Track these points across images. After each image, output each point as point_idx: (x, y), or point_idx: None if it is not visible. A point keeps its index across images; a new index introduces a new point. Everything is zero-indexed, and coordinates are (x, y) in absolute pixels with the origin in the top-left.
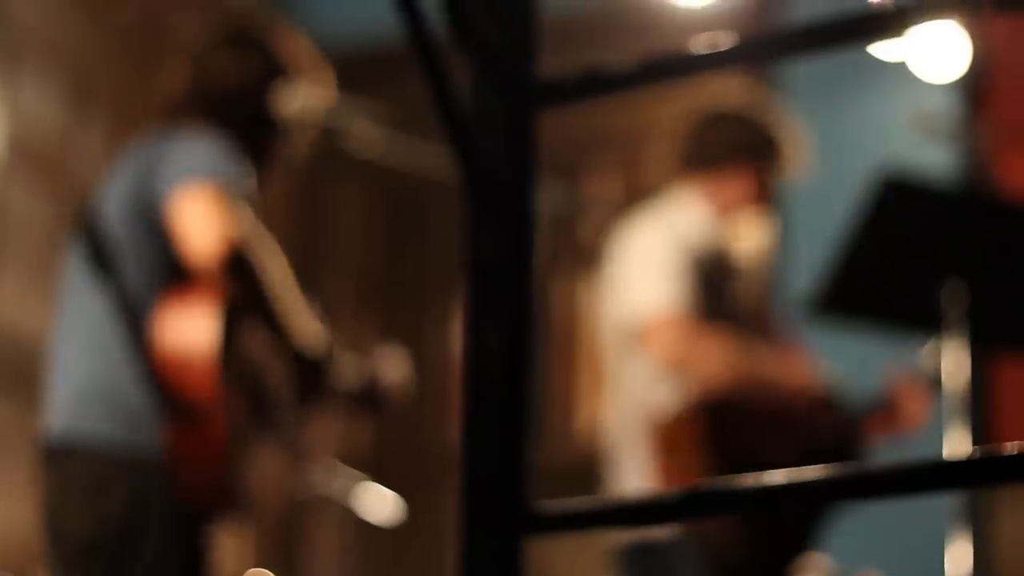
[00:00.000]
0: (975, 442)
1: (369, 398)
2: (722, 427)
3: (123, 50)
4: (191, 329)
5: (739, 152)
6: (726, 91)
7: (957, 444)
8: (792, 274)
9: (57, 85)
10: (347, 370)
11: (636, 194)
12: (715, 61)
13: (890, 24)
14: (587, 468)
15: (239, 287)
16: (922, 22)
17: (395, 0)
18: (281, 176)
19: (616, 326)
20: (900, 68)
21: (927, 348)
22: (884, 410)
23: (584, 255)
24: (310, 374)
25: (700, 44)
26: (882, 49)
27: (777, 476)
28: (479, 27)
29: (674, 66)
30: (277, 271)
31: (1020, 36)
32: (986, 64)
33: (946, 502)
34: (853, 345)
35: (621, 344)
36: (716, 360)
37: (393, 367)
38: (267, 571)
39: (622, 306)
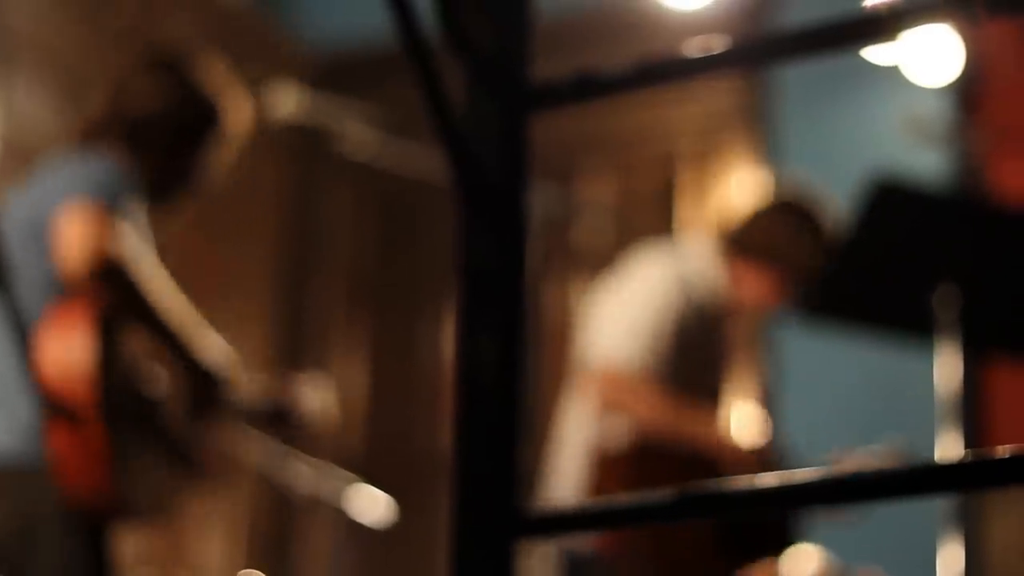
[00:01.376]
0: (967, 445)
1: (279, 419)
2: (649, 472)
3: (116, 54)
4: (69, 339)
5: (781, 258)
6: (788, 183)
7: (949, 447)
8: None
9: (50, 88)
10: (251, 387)
11: (629, 198)
12: (708, 64)
13: (884, 28)
14: None
15: (116, 300)
16: (915, 26)
17: (388, 3)
18: (201, 193)
19: (580, 358)
20: (893, 72)
21: (885, 444)
22: None
23: (577, 258)
24: (204, 387)
25: (693, 47)
26: (875, 53)
27: (768, 479)
28: (472, 30)
29: (667, 69)
30: (166, 287)
31: (1013, 40)
32: (979, 68)
33: (938, 506)
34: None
35: (577, 376)
36: (643, 419)
37: (314, 394)
38: (259, 572)
39: (590, 343)
